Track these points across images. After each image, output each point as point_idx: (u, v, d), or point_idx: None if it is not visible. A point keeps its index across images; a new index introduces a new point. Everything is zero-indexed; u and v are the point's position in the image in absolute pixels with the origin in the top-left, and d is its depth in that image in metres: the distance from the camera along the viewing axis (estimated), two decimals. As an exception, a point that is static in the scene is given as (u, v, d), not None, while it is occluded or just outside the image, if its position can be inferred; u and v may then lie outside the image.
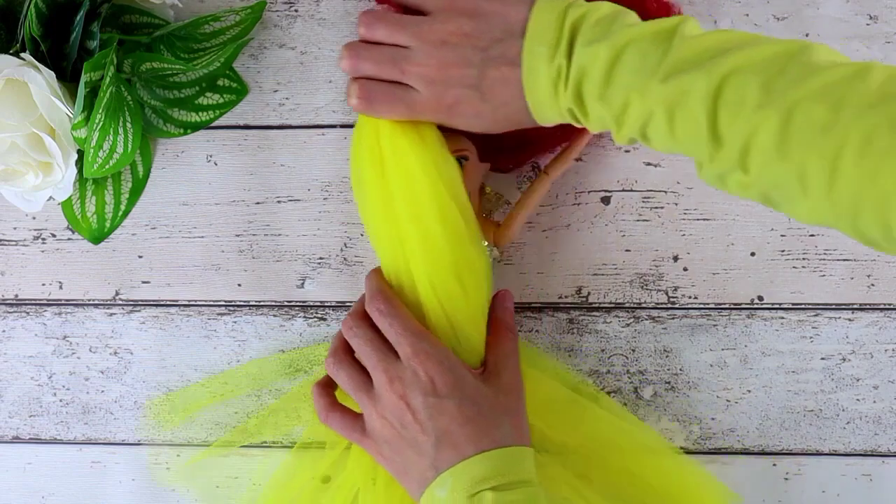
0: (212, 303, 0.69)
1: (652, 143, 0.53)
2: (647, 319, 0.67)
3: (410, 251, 0.59)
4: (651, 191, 0.67)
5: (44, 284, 0.70)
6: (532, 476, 0.57)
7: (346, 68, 0.59)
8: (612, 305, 0.67)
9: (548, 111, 0.56)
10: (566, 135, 0.64)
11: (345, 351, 0.62)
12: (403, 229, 0.59)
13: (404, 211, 0.59)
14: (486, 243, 0.63)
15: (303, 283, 0.68)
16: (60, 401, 0.70)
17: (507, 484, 0.55)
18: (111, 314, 0.70)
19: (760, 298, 0.67)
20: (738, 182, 0.51)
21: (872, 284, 0.66)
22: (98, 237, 0.69)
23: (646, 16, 0.55)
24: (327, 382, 0.64)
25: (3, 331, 0.70)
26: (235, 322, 0.69)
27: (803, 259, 0.66)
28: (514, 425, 0.58)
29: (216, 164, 0.69)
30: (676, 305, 0.67)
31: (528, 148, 0.65)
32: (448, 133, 0.60)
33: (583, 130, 0.64)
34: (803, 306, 0.67)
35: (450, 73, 0.56)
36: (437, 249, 0.59)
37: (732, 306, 0.67)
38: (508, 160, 0.66)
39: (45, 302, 0.70)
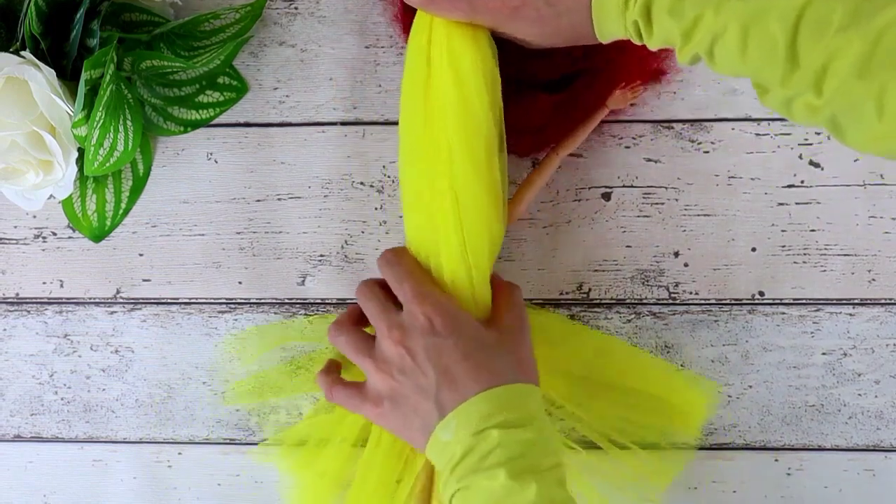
0: (213, 300, 0.69)
1: (717, 63, 0.52)
2: (648, 315, 0.67)
3: (446, 167, 0.58)
4: (652, 187, 0.67)
5: (45, 283, 0.70)
6: (540, 414, 0.56)
7: None
8: (614, 301, 0.67)
9: (611, 24, 0.54)
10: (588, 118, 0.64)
11: (347, 319, 0.62)
12: (442, 144, 0.57)
13: (449, 119, 0.57)
14: None
15: (303, 281, 0.68)
16: (62, 399, 0.70)
17: (514, 420, 0.54)
18: (112, 312, 0.70)
19: (761, 294, 0.67)
20: (808, 105, 0.49)
21: (873, 279, 0.66)
22: (99, 235, 0.69)
23: None
24: (328, 368, 0.64)
25: (4, 329, 0.70)
26: (236, 320, 0.69)
27: (804, 254, 0.66)
28: (518, 362, 0.57)
29: (216, 162, 0.69)
30: (677, 301, 0.67)
31: (550, 131, 0.64)
32: None
33: (600, 110, 0.64)
34: (804, 301, 0.66)
35: None
36: (476, 162, 0.57)
37: (733, 302, 0.67)
38: (529, 144, 0.65)
39: (46, 300, 0.70)
